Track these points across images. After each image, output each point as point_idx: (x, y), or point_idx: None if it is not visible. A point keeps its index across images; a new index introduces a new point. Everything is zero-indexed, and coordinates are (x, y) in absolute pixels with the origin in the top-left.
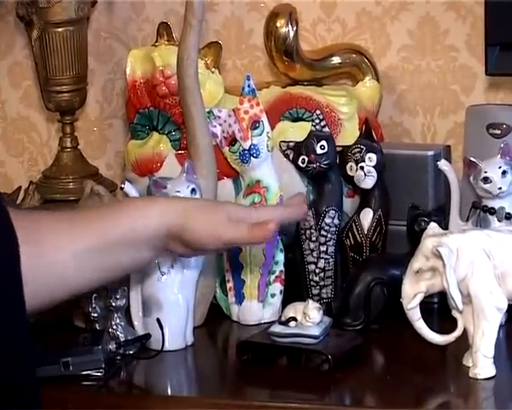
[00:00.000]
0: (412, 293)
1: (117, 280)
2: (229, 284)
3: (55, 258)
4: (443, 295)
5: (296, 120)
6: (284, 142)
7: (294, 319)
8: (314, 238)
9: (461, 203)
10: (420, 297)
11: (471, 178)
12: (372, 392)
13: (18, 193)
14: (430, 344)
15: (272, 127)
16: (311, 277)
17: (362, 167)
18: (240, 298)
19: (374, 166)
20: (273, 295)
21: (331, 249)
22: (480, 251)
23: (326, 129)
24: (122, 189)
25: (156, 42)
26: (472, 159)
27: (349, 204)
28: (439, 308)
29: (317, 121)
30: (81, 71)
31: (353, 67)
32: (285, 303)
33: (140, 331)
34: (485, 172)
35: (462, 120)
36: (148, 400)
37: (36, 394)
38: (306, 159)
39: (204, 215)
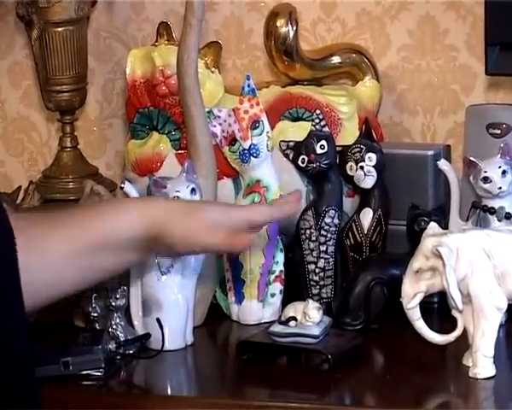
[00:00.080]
0: (412, 293)
1: (114, 280)
2: (229, 284)
3: (46, 260)
4: (443, 295)
5: (296, 119)
6: (284, 141)
7: (294, 318)
8: (314, 238)
9: (461, 203)
10: (420, 297)
11: (471, 178)
12: (372, 392)
13: (18, 193)
14: (430, 344)
15: (272, 127)
16: (310, 276)
17: (362, 167)
18: (240, 298)
19: (374, 166)
20: (273, 295)
21: (331, 249)
22: (480, 251)
23: (326, 129)
24: (122, 188)
25: (156, 42)
26: (472, 159)
27: (349, 204)
28: (438, 308)
29: (317, 121)
30: (81, 71)
31: (353, 66)
32: (285, 303)
33: (140, 331)
34: (485, 171)
35: (461, 119)
36: (148, 399)
37: (36, 394)
38: (306, 159)
39: (182, 220)
